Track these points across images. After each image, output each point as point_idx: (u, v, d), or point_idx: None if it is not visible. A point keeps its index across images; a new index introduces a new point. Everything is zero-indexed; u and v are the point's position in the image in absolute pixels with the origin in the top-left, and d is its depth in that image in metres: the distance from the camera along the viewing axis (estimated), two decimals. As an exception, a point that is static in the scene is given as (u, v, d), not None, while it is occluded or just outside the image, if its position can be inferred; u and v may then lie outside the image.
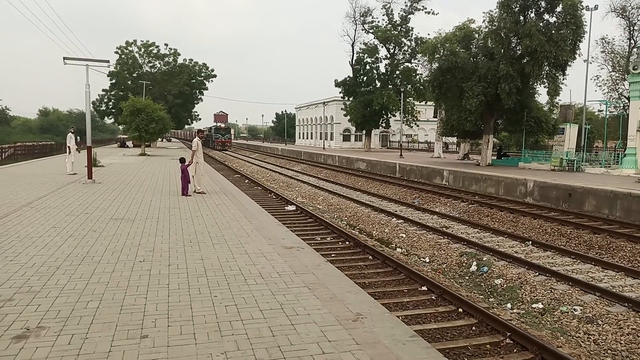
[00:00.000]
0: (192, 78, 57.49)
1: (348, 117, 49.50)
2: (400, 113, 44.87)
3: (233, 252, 7.22)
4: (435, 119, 42.76)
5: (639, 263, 10.64)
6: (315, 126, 77.41)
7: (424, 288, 8.33)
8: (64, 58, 15.44)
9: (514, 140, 42.44)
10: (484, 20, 25.93)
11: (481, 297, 8.57)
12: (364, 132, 52.25)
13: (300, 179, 26.48)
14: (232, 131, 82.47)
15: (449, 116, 29.48)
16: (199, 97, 60.82)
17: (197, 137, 14.64)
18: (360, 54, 47.58)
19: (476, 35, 27.05)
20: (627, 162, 23.14)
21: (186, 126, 79.62)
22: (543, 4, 23.94)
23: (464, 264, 10.36)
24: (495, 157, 30.64)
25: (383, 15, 46.22)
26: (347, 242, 11.57)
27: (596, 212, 15.28)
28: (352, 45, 48.79)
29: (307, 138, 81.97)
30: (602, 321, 7.14)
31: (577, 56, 24.13)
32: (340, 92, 50.47)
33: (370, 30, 46.94)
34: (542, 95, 28.07)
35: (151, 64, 56.33)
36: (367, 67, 47.92)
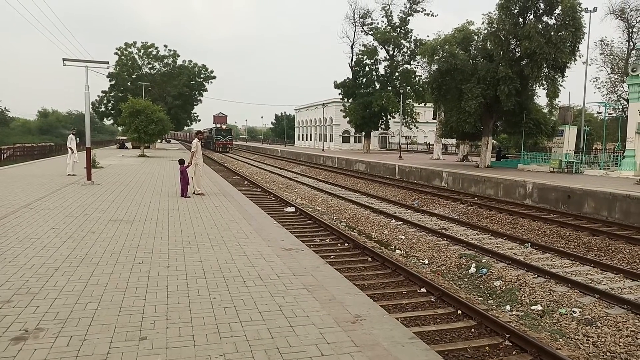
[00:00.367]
0: (191, 79, 57.53)
1: (347, 118, 49.55)
2: (399, 115, 44.93)
3: (232, 254, 7.21)
4: (435, 121, 42.83)
5: (638, 265, 10.65)
6: (314, 128, 77.46)
7: (423, 290, 8.33)
8: (64, 59, 15.43)
9: (513, 142, 42.51)
10: (483, 22, 26.02)
11: (480, 299, 8.57)
12: (363, 133, 52.28)
13: (300, 181, 26.47)
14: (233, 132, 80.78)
15: (448, 118, 29.52)
16: (198, 98, 60.87)
17: (196, 138, 14.64)
18: (360, 56, 47.65)
19: (475, 37, 27.10)
20: (626, 164, 23.17)
21: (185, 127, 79.65)
22: (542, 6, 23.99)
23: (463, 266, 10.36)
24: (494, 159, 30.68)
25: (382, 17, 46.40)
26: (346, 244, 11.57)
27: (595, 214, 15.29)
28: (352, 47, 48.90)
29: (306, 139, 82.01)
30: (601, 323, 7.14)
31: (576, 58, 24.18)
32: (339, 94, 50.55)
33: (370, 32, 47.04)
34: (541, 97, 28.22)
35: (150, 66, 56.38)
36: (367, 68, 47.98)
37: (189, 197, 13.39)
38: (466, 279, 9.78)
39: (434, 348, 5.15)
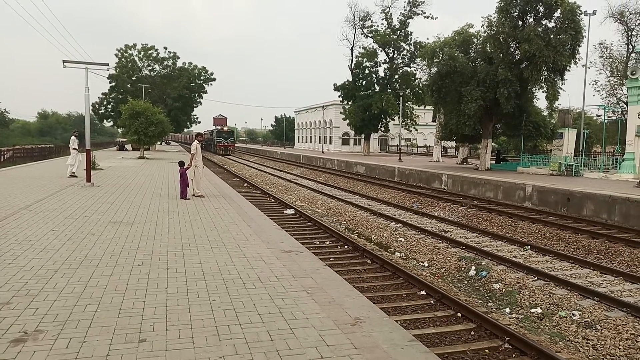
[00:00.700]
0: (191, 81, 57.66)
1: (347, 121, 49.59)
2: (399, 117, 44.95)
3: (232, 256, 7.21)
4: (434, 123, 42.88)
5: (637, 268, 10.64)
6: (314, 130, 77.48)
7: (423, 292, 8.32)
8: (64, 61, 15.46)
9: (513, 144, 42.56)
10: (482, 25, 26.03)
11: (480, 301, 8.57)
12: (363, 136, 52.31)
13: (299, 183, 26.47)
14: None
15: (448, 120, 29.54)
16: (198, 100, 60.97)
17: (196, 140, 14.65)
18: (360, 58, 47.70)
19: (475, 40, 27.15)
20: (626, 167, 23.18)
21: (185, 129, 79.68)
22: (542, 9, 24.02)
23: (463, 268, 10.36)
24: (494, 162, 30.68)
25: (382, 19, 46.46)
26: (346, 246, 11.57)
27: (595, 216, 15.30)
28: (351, 50, 48.96)
29: (306, 142, 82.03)
30: (600, 326, 7.14)
31: (575, 61, 24.23)
32: (339, 96, 50.59)
33: (370, 35, 47.10)
34: (540, 100, 28.30)
35: (150, 67, 56.47)
36: (366, 71, 48.03)
37: (189, 199, 13.39)
38: (466, 282, 9.78)
39: (434, 351, 5.14)
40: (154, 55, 55.65)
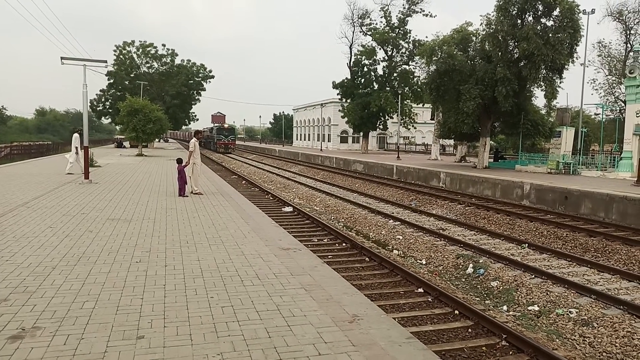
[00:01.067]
0: (189, 79, 57.50)
1: (346, 118, 49.60)
2: (397, 115, 44.96)
3: (230, 253, 7.21)
4: (433, 122, 42.85)
5: (634, 266, 10.68)
6: (312, 128, 77.47)
7: (421, 290, 8.34)
8: (62, 58, 15.40)
9: (511, 143, 42.58)
10: (481, 23, 26.04)
11: (477, 299, 8.59)
12: (361, 133, 52.33)
13: (298, 181, 26.47)
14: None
15: (446, 119, 29.55)
16: (196, 98, 60.80)
17: (194, 138, 14.64)
18: (358, 56, 47.70)
19: (474, 38, 27.15)
20: (623, 166, 23.24)
21: (184, 127, 79.55)
22: (540, 7, 24.03)
23: (461, 266, 10.38)
24: (492, 160, 30.73)
25: (381, 17, 46.47)
26: (344, 244, 11.58)
27: (592, 215, 15.34)
28: (350, 48, 48.98)
29: (304, 139, 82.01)
30: (597, 324, 7.16)
31: (574, 60, 24.25)
32: (338, 94, 50.60)
33: (368, 33, 47.10)
34: (539, 98, 28.28)
35: (149, 65, 56.31)
36: (365, 69, 48.04)
37: (187, 196, 13.38)
38: (463, 279, 9.80)
39: (431, 348, 5.16)
40: (153, 52, 55.48)
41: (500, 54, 24.92)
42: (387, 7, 45.71)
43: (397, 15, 45.79)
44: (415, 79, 44.84)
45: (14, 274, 5.88)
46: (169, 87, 54.86)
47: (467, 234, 13.38)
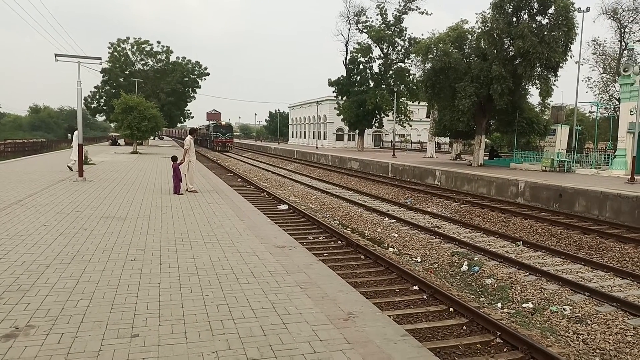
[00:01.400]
0: (185, 76, 57.30)
1: (341, 116, 49.60)
2: (393, 113, 45.00)
3: (225, 251, 7.20)
4: (428, 119, 42.96)
5: (627, 263, 10.75)
6: (308, 125, 77.43)
7: (416, 287, 8.36)
8: (56, 55, 15.33)
9: (506, 140, 42.68)
10: (477, 21, 26.11)
11: (472, 296, 8.62)
12: (357, 131, 52.33)
13: (293, 178, 26.46)
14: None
15: (442, 116, 29.63)
16: (191, 95, 60.59)
17: (189, 135, 14.60)
18: (354, 54, 47.66)
19: (469, 36, 27.18)
20: (617, 164, 23.37)
21: (179, 124, 79.26)
22: (536, 5, 24.10)
23: (456, 264, 10.41)
24: (487, 158, 30.83)
25: (377, 15, 46.45)
26: (339, 242, 11.58)
27: (586, 212, 15.42)
28: (346, 45, 48.90)
29: (300, 137, 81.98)
30: (591, 321, 7.21)
31: (568, 58, 24.34)
32: (333, 92, 50.58)
33: (364, 30, 47.05)
34: (534, 96, 28.32)
35: (143, 62, 56.02)
36: (361, 66, 48.03)
37: (182, 194, 13.34)
38: (458, 277, 9.83)
39: (426, 345, 5.17)
40: (148, 49, 55.20)
41: (495, 51, 24.97)
42: (382, 5, 45.71)
43: (392, 13, 45.83)
44: (410, 77, 44.86)
45: (7, 272, 5.84)
46: (164, 84, 54.63)
47: (462, 231, 13.42)
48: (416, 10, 45.15)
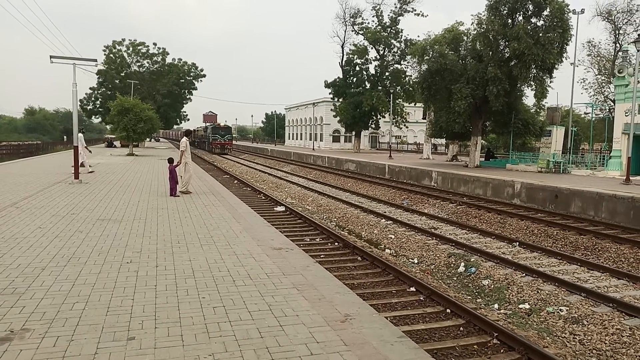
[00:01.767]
0: (181, 78, 57.19)
1: (338, 118, 49.60)
2: (389, 114, 45.07)
3: (221, 253, 7.18)
4: (424, 121, 43.02)
5: (623, 264, 10.79)
6: (305, 127, 77.45)
7: (413, 289, 8.36)
8: (51, 56, 15.24)
9: (502, 142, 42.86)
10: (472, 23, 26.18)
11: (469, 297, 8.63)
12: (353, 133, 52.38)
13: (290, 180, 26.44)
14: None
15: (438, 118, 29.68)
16: (187, 97, 60.48)
17: (184, 137, 14.58)
18: (350, 56, 47.73)
19: (465, 38, 27.29)
20: (613, 164, 23.48)
21: (175, 126, 79.11)
22: (531, 7, 24.19)
23: (452, 265, 10.43)
24: (483, 159, 30.89)
25: (373, 16, 46.54)
26: (336, 243, 11.58)
27: (582, 213, 15.47)
28: (342, 47, 48.96)
29: (296, 139, 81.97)
30: (587, 321, 7.23)
31: (564, 59, 24.45)
32: (330, 93, 50.60)
33: (360, 32, 47.14)
34: (529, 97, 28.46)
35: (139, 63, 55.89)
36: (357, 68, 48.10)
37: (178, 196, 13.31)
38: (455, 278, 9.84)
39: (423, 347, 5.17)
40: (144, 51, 55.08)
41: (491, 53, 25.06)
42: (378, 7, 45.83)
43: (388, 15, 45.92)
44: (407, 78, 44.98)
45: (2, 275, 5.81)
46: (160, 86, 54.47)
47: (459, 232, 13.44)
48: (412, 12, 45.30)
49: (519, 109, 26.54)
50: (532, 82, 24.88)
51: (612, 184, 18.39)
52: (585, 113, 45.10)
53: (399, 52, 46.02)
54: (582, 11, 27.04)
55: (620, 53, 38.14)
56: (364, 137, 60.89)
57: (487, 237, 12.85)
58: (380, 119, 49.21)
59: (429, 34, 27.84)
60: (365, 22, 47.46)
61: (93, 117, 60.51)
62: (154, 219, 9.79)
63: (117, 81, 53.24)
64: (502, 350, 6.18)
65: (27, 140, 57.58)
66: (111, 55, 53.36)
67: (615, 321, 7.12)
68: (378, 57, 46.74)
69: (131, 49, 54.47)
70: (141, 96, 47.71)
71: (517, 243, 12.00)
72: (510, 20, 24.75)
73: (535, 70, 24.25)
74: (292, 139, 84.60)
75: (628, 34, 38.61)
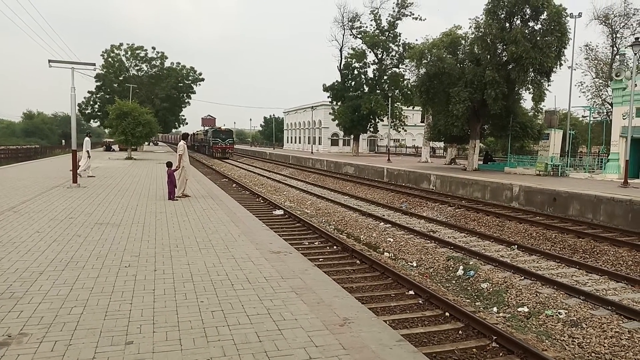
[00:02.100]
0: (179, 82, 57.24)
1: (336, 121, 49.65)
2: (388, 118, 45.12)
3: (220, 257, 7.17)
4: (423, 124, 43.14)
5: (622, 267, 10.80)
6: (303, 130, 77.47)
7: (411, 292, 8.35)
8: (49, 61, 15.25)
9: (500, 145, 42.94)
10: (470, 27, 26.27)
11: (468, 301, 8.62)
12: (352, 136, 52.42)
13: (289, 183, 26.45)
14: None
15: (436, 121, 29.75)
16: (186, 101, 60.50)
17: (182, 140, 14.59)
18: (349, 59, 47.81)
19: (463, 42, 27.36)
20: (611, 167, 23.51)
21: (173, 130, 79.13)
22: (528, 11, 24.28)
23: (451, 268, 10.42)
24: (481, 162, 30.93)
25: (371, 20, 46.61)
26: (335, 247, 11.57)
27: (580, 216, 15.49)
28: (341, 50, 49.07)
29: (295, 142, 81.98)
30: (586, 324, 7.23)
31: (561, 63, 24.52)
32: (328, 97, 50.64)
33: (359, 36, 47.24)
34: (527, 100, 28.58)
35: (138, 67, 55.92)
36: (355, 72, 48.18)
37: (176, 199, 13.29)
38: (454, 281, 9.84)
39: (422, 350, 5.17)
40: (142, 55, 55.12)
41: (489, 57, 25.12)
42: (377, 11, 45.93)
43: (387, 19, 46.01)
44: (405, 82, 45.03)
45: (0, 279, 5.79)
46: (158, 90, 54.49)
47: (458, 236, 13.44)
48: (410, 16, 45.40)
49: (517, 112, 26.61)
50: (530, 86, 24.94)
51: (610, 186, 18.43)
52: (583, 116, 45.19)
53: (397, 55, 46.12)
54: (580, 15, 27.16)
55: (617, 56, 38.30)
56: (362, 140, 60.94)
57: (485, 240, 12.85)
58: (378, 122, 49.28)
59: (427, 38, 27.98)
60: (363, 26, 47.62)
61: (91, 121, 60.47)
62: (152, 223, 9.77)
63: (115, 85, 53.25)
64: (501, 354, 6.17)
65: (25, 144, 57.51)
66: (109, 59, 53.38)
67: (614, 324, 7.12)
68: (376, 60, 46.83)
69: (129, 53, 54.52)
70: (140, 100, 47.70)
71: (516, 246, 12.00)
72: (508, 24, 24.82)
73: (533, 74, 24.32)
74: (291, 142, 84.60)
75: (625, 38, 38.79)
